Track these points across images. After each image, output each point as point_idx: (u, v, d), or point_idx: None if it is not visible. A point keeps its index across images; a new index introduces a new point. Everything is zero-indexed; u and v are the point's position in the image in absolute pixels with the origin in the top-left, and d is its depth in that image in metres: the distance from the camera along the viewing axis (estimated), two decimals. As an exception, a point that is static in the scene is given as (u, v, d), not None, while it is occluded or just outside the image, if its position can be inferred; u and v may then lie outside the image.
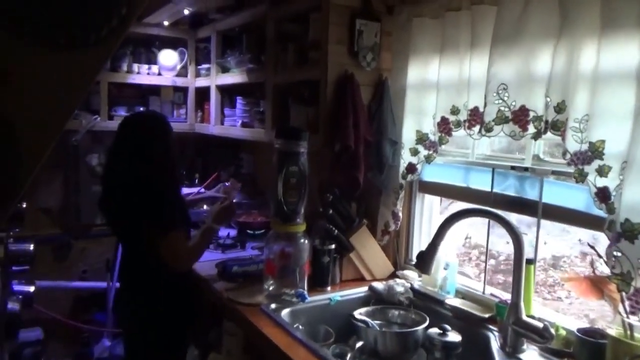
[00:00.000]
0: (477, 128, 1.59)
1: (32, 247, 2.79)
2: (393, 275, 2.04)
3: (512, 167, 1.65)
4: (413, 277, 1.99)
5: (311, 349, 1.43)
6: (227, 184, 3.14)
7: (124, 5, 0.94)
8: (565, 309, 3.51)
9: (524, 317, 1.45)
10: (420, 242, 2.09)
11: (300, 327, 1.71)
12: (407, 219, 2.09)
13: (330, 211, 1.95)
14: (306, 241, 1.76)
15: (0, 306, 2.18)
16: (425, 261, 1.52)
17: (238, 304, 1.73)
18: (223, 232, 2.66)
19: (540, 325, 1.38)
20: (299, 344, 1.46)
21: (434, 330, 1.54)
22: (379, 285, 1.92)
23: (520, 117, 1.46)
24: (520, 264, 1.45)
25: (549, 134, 1.40)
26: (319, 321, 1.74)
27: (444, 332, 1.52)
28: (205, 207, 3.06)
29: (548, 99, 1.39)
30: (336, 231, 1.93)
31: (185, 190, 3.29)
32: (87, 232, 3.28)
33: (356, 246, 1.98)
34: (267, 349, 1.50)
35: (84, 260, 3.32)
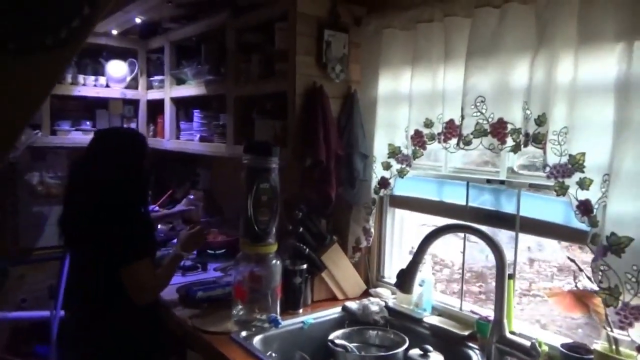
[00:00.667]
0: (453, 141, 1.56)
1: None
2: (366, 294, 1.97)
3: (488, 181, 1.62)
4: (387, 295, 1.93)
5: (291, 380, 1.33)
6: (191, 197, 2.99)
7: (86, 4, 0.82)
8: (517, 315, 3.61)
9: (508, 335, 1.41)
10: (391, 259, 2.03)
11: (274, 354, 1.60)
12: (378, 234, 2.03)
13: (300, 229, 1.86)
14: (278, 262, 1.66)
15: None
16: (406, 280, 1.45)
17: (204, 333, 1.60)
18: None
19: (527, 343, 1.34)
20: (276, 375, 1.36)
21: (415, 352, 1.47)
22: (352, 305, 1.84)
23: (499, 129, 1.44)
24: (502, 279, 1.41)
25: (529, 147, 1.39)
26: (293, 347, 1.64)
27: (425, 354, 1.46)
28: (173, 223, 2.90)
29: (528, 112, 1.37)
30: (307, 250, 1.84)
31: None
32: (27, 257, 3.00)
33: (328, 265, 1.90)
34: (240, 382, 1.38)
35: (22, 287, 3.03)
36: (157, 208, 3.00)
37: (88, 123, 2.99)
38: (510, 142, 1.43)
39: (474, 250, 2.30)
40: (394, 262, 2.03)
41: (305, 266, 1.80)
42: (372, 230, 1.95)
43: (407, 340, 1.59)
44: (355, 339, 1.69)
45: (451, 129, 1.57)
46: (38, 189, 2.94)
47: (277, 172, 1.63)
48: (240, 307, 1.64)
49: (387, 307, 1.83)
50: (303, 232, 1.88)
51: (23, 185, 2.97)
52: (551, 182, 1.34)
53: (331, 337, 1.61)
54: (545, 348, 1.42)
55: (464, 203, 1.70)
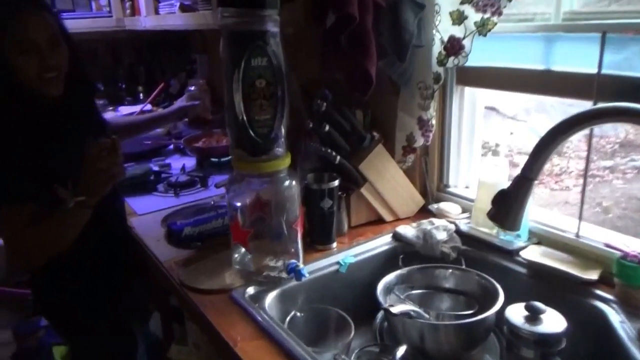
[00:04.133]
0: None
1: None
2: (425, 213, 1.40)
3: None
4: (455, 213, 1.35)
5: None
6: (191, 89, 2.32)
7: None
8: (573, 199, 3.08)
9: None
10: (459, 160, 1.42)
11: (299, 314, 1.08)
12: (441, 127, 1.39)
13: (326, 127, 1.25)
14: (294, 182, 1.07)
15: None
16: (509, 209, 0.85)
17: (192, 291, 1.08)
18: (175, 162, 1.96)
19: None
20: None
21: (518, 312, 0.92)
22: (408, 232, 1.28)
23: None
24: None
25: None
26: (325, 301, 1.11)
27: (535, 315, 0.91)
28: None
29: None
30: (337, 157, 1.24)
31: (128, 110, 2.52)
32: None
33: (369, 176, 1.31)
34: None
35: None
36: (149, 107, 2.42)
37: (43, 2, 2.31)
38: None
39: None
40: (462, 166, 1.42)
41: (336, 182, 1.21)
42: (433, 122, 1.31)
43: (499, 289, 1.03)
44: (416, 282, 1.15)
45: None
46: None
47: (280, 41, 0.98)
48: (243, 251, 1.09)
49: (458, 232, 1.26)
50: (330, 132, 1.26)
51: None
52: None
53: (381, 286, 1.06)
54: None
55: (592, 70, 1.02)
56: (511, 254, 1.15)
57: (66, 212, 1.12)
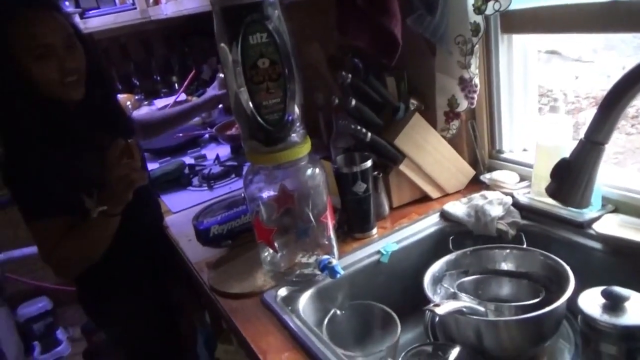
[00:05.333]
0: None
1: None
2: (476, 185, 1.24)
3: None
4: (511, 182, 1.18)
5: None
6: (222, 75, 2.23)
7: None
8: None
9: None
10: (512, 121, 1.23)
11: (339, 312, 0.98)
12: (487, 85, 1.21)
13: (353, 102, 1.11)
14: (317, 170, 0.95)
15: None
16: (574, 182, 0.69)
17: (223, 297, 1.01)
18: (211, 151, 1.89)
19: None
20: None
21: (592, 300, 0.77)
22: (457, 209, 1.13)
23: None
24: None
25: None
26: (367, 296, 1.00)
27: (616, 304, 0.75)
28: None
29: None
30: (369, 134, 1.11)
31: (162, 102, 2.48)
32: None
33: (407, 150, 1.16)
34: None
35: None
36: (183, 96, 2.37)
37: (67, 3, 2.29)
38: None
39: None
40: (517, 127, 1.24)
41: (369, 163, 1.08)
42: (476, 81, 1.14)
43: (569, 271, 0.87)
44: (470, 267, 1.01)
45: None
46: None
47: (281, 10, 0.84)
48: (271, 250, 1.00)
49: (516, 205, 1.10)
50: (358, 106, 1.12)
51: None
52: None
53: (427, 276, 0.94)
54: None
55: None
56: (582, 227, 0.98)
57: (92, 222, 1.08)
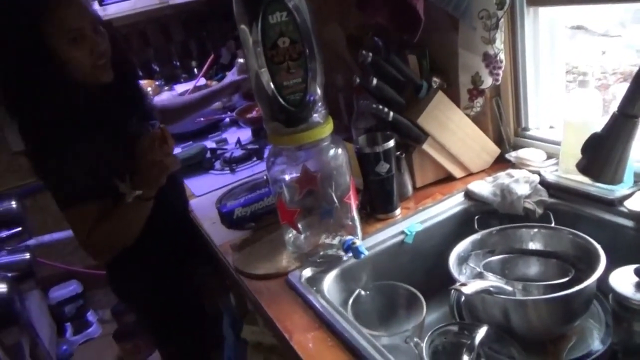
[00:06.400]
0: None
1: (14, 203, 2.23)
2: (501, 164, 1.21)
3: None
4: (537, 160, 1.15)
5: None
6: (241, 61, 2.23)
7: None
8: None
9: None
10: (538, 97, 1.20)
11: (363, 292, 0.98)
12: (512, 60, 1.18)
13: (374, 81, 1.09)
14: (339, 150, 0.94)
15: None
16: (607, 158, 0.67)
17: (248, 278, 1.02)
18: (232, 135, 1.90)
19: None
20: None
21: (624, 278, 0.75)
22: (482, 188, 1.11)
23: None
24: None
25: None
26: (392, 276, 1.00)
27: (650, 282, 0.74)
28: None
29: None
30: (391, 113, 1.09)
31: (182, 87, 2.49)
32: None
33: (430, 129, 1.14)
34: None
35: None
36: (203, 80, 2.37)
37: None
38: None
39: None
40: (543, 103, 1.20)
41: (391, 143, 1.07)
42: (501, 57, 1.11)
43: (599, 249, 0.85)
44: (496, 247, 0.99)
45: None
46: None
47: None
48: (294, 232, 1.00)
49: (543, 182, 1.07)
50: (379, 85, 1.11)
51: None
52: None
53: (453, 256, 0.93)
54: None
55: None
56: (612, 204, 0.96)
57: (127, 206, 1.10)
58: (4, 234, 2.00)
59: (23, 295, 1.90)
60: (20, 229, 2.11)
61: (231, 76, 1.81)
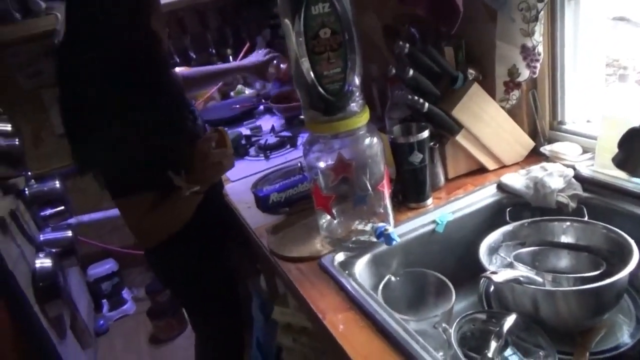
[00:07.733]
0: None
1: (57, 184, 2.32)
2: (535, 157, 1.22)
3: None
4: (572, 154, 1.15)
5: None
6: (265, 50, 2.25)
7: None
8: None
9: None
10: (576, 93, 1.19)
11: (393, 278, 1.01)
12: (551, 54, 1.17)
13: (410, 72, 1.11)
14: (375, 139, 0.97)
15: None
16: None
17: (282, 260, 1.06)
18: (266, 122, 1.94)
19: None
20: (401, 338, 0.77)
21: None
22: (515, 180, 1.12)
23: None
24: None
25: None
26: (422, 264, 1.02)
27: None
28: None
29: None
30: (426, 104, 1.10)
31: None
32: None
33: (465, 121, 1.15)
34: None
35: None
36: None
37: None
38: None
39: None
40: (581, 97, 1.20)
41: (425, 133, 1.08)
42: (540, 49, 1.10)
43: (632, 243, 0.85)
44: (527, 239, 1.00)
45: None
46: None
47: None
48: (329, 217, 1.03)
49: (577, 177, 1.07)
50: (415, 76, 1.12)
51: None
52: None
53: (483, 246, 0.95)
54: None
55: None
56: (648, 200, 0.95)
57: (181, 199, 1.16)
58: (49, 211, 2.09)
59: (65, 271, 2.00)
60: (63, 207, 2.20)
61: (255, 56, 1.85)
